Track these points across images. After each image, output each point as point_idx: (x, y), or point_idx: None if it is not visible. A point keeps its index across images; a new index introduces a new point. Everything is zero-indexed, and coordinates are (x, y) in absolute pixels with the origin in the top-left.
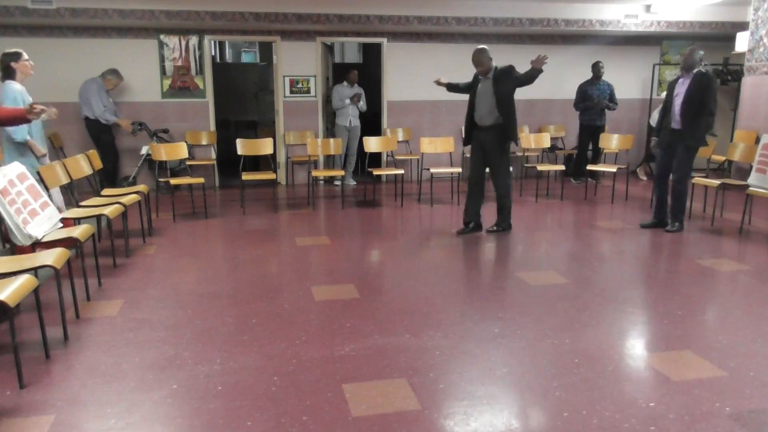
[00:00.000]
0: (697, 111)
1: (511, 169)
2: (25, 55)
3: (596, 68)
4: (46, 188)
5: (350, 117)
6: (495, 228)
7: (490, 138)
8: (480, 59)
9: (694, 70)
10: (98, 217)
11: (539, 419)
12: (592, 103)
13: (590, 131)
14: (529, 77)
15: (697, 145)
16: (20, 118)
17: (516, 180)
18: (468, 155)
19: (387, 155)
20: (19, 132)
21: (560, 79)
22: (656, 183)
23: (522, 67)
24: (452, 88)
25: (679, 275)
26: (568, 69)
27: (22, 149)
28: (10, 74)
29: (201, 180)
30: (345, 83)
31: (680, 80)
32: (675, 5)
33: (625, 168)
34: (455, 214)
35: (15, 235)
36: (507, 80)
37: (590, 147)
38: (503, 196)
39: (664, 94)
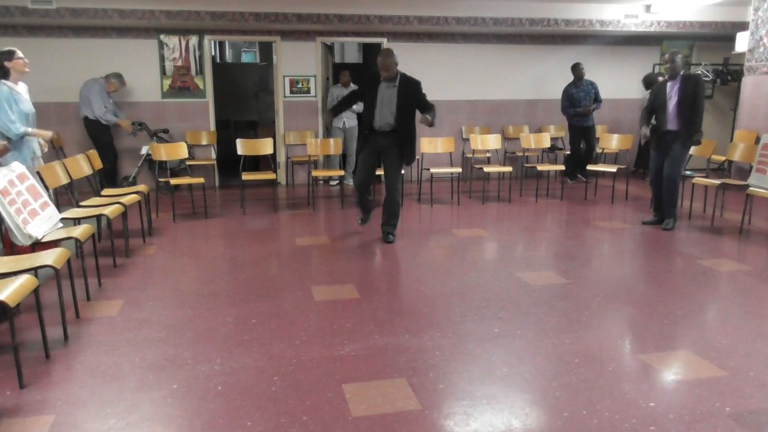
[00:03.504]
0: (692, 111)
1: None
2: (19, 53)
3: (577, 69)
4: (46, 188)
5: (344, 119)
6: (391, 238)
7: (389, 143)
8: (388, 63)
9: (681, 73)
10: (98, 217)
11: (539, 419)
12: (583, 110)
13: (580, 131)
14: (425, 113)
15: (694, 143)
16: None
17: (516, 180)
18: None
19: None
20: (14, 130)
21: (560, 79)
22: (652, 184)
23: (524, 68)
24: (338, 109)
25: (679, 275)
26: (568, 69)
27: (18, 144)
28: (3, 74)
29: (201, 180)
30: (339, 85)
31: (669, 83)
32: (675, 5)
33: (625, 168)
34: (455, 214)
35: (15, 235)
36: (413, 95)
37: (583, 146)
38: (398, 205)
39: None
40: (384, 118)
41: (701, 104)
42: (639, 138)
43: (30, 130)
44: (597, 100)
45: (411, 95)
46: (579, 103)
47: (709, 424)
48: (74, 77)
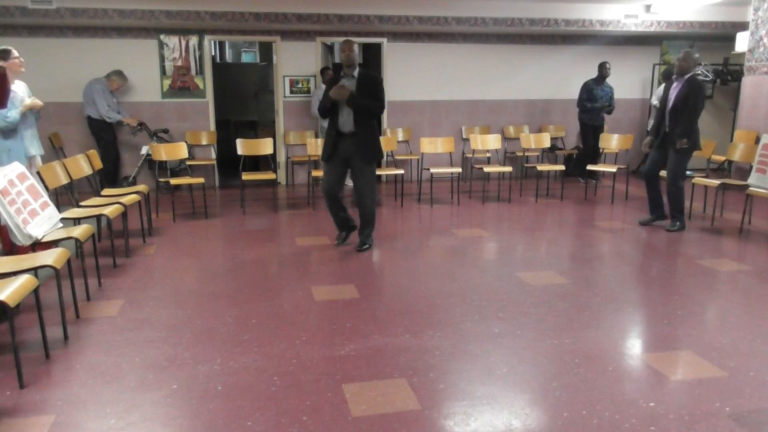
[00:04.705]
0: (684, 114)
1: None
2: (15, 53)
3: (603, 69)
4: (47, 188)
5: None
6: (365, 247)
7: (352, 148)
8: (351, 47)
9: (687, 75)
10: (98, 217)
11: (539, 419)
12: (599, 107)
13: (592, 130)
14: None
15: (684, 150)
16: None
17: (516, 180)
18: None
19: (387, 155)
20: (9, 117)
21: (560, 79)
22: (646, 181)
23: (524, 68)
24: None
25: (679, 275)
26: (568, 69)
27: (12, 135)
28: None
29: (201, 180)
30: (323, 85)
31: (674, 84)
32: (675, 5)
33: (625, 168)
34: (455, 214)
35: (15, 235)
36: (370, 90)
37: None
38: (369, 211)
39: (654, 99)
40: (345, 116)
41: (694, 110)
42: (642, 139)
43: (21, 107)
44: (611, 103)
45: (368, 91)
46: (596, 100)
47: (709, 424)
48: (74, 77)
